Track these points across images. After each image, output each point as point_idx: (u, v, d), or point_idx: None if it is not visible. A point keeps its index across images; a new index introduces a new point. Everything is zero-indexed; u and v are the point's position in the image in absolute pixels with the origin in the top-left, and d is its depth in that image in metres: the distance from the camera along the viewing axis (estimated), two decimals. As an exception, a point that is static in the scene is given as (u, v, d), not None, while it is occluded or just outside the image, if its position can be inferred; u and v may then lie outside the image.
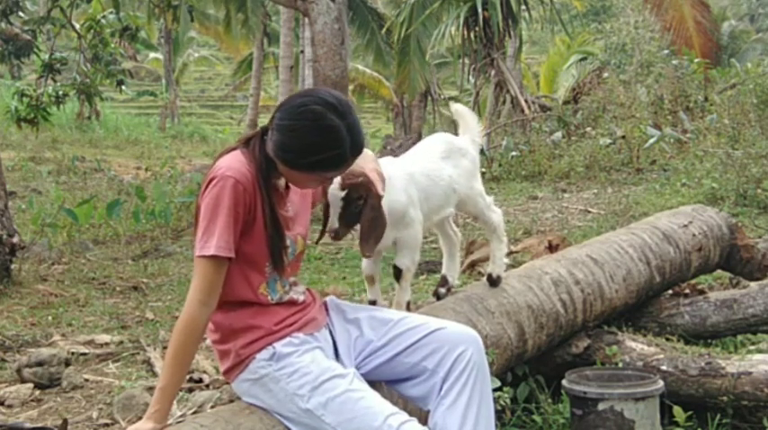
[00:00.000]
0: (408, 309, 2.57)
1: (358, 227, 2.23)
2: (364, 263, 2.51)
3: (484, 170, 11.09)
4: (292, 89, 16.04)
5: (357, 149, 1.99)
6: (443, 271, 2.85)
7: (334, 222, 2.17)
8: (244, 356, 2.02)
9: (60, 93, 9.50)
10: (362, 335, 2.15)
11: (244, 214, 1.98)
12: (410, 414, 1.97)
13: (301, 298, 2.13)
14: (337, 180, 2.13)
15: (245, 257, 2.02)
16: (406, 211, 2.33)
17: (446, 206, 2.56)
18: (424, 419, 2.05)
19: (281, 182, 2.10)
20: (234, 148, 2.07)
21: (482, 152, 11.42)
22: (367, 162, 2.23)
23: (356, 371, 2.03)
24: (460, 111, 2.80)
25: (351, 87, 19.06)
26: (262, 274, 2.05)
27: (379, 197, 2.17)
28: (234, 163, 2.00)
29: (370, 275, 2.52)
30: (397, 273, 2.44)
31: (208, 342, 4.02)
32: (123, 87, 10.74)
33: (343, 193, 2.14)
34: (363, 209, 2.16)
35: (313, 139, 1.93)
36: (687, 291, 3.67)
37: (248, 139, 2.08)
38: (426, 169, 2.46)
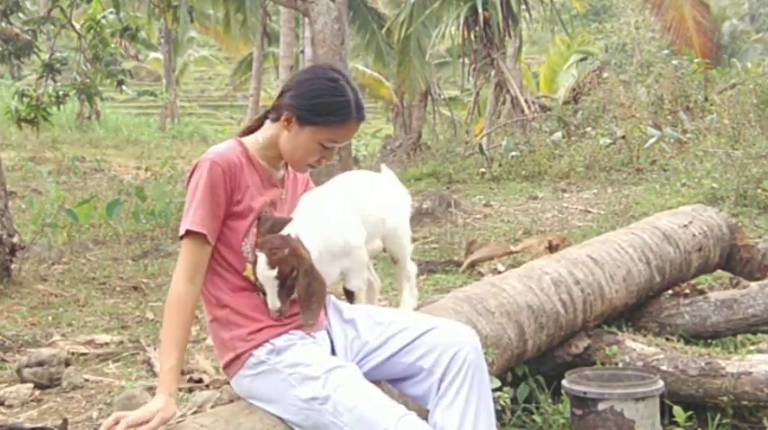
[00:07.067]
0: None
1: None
2: None
3: (484, 170, 11.11)
4: (292, 89, 15.92)
5: (360, 110, 2.12)
6: None
7: (275, 303, 2.02)
8: (241, 350, 2.03)
9: (60, 93, 9.51)
10: (359, 337, 2.16)
11: (225, 195, 2.02)
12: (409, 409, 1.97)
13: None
14: (264, 259, 2.01)
15: (226, 239, 2.05)
16: (344, 243, 2.23)
17: (375, 236, 2.41)
18: (423, 417, 2.05)
19: (280, 172, 2.18)
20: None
21: (482, 152, 11.59)
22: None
23: (355, 365, 2.05)
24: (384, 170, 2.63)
25: (351, 87, 18.99)
26: (240, 254, 2.06)
27: (309, 260, 2.06)
28: (219, 148, 2.09)
29: None
30: (349, 296, 2.33)
31: (209, 341, 4.06)
32: (123, 87, 10.75)
33: (275, 272, 2.01)
34: (297, 279, 2.04)
35: (322, 84, 2.09)
36: (687, 291, 3.67)
37: (246, 129, 2.19)
38: (358, 197, 2.34)
